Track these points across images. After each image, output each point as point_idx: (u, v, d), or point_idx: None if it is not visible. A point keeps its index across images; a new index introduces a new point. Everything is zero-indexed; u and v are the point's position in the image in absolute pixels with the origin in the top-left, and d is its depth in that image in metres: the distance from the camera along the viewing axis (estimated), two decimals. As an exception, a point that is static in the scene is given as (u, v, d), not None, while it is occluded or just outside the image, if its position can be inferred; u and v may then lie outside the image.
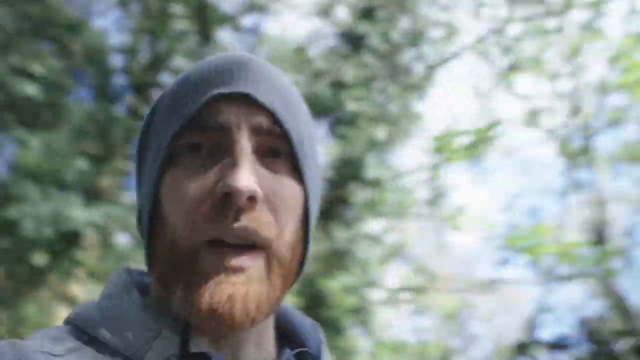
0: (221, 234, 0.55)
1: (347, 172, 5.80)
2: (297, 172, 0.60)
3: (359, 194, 5.85)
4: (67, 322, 0.62)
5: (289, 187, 0.59)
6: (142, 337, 0.56)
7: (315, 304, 5.37)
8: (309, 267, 0.65)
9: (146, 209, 0.61)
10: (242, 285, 0.55)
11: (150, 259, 0.61)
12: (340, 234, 5.59)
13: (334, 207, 6.04)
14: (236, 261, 0.55)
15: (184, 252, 0.56)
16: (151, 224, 0.60)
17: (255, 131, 0.58)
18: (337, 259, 5.60)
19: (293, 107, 0.61)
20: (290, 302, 0.69)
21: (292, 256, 0.59)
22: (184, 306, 0.55)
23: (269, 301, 0.57)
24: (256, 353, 0.61)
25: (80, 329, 0.59)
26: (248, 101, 0.58)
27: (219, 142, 0.58)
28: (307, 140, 0.62)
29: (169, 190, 0.58)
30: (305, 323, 0.67)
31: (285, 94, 0.61)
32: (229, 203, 0.55)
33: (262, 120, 0.58)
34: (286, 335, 0.66)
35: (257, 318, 0.56)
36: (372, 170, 5.66)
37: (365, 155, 5.78)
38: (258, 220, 0.56)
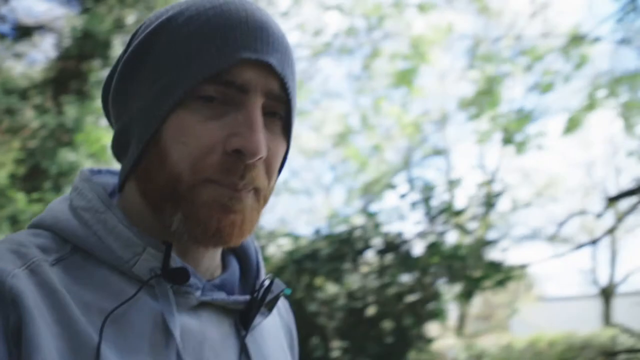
0: (225, 180, 0.62)
1: (88, 48, 5.58)
2: (286, 131, 0.69)
3: (99, 74, 5.70)
4: (43, 228, 0.66)
5: (280, 146, 0.68)
6: (129, 252, 0.63)
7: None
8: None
9: (142, 135, 0.64)
10: (240, 213, 0.64)
11: (129, 174, 0.67)
12: (71, 110, 5.45)
13: (68, 80, 5.80)
14: (233, 195, 0.63)
15: (186, 185, 0.62)
16: (144, 149, 0.64)
17: (266, 94, 0.64)
18: (65, 133, 5.48)
19: (294, 74, 0.68)
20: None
21: (271, 192, 0.70)
22: (183, 226, 0.63)
23: (254, 226, 0.67)
24: (210, 264, 0.71)
25: (61, 237, 0.65)
26: (267, 68, 0.63)
27: (233, 97, 0.63)
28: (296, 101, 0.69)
29: (177, 130, 0.62)
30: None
31: (291, 62, 0.67)
32: (239, 158, 0.62)
33: (274, 87, 0.64)
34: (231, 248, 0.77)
35: (245, 238, 0.66)
36: (116, 50, 5.54)
37: (112, 36, 5.61)
38: (257, 175, 0.64)
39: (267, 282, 0.72)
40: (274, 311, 0.80)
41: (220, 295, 0.68)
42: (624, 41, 7.28)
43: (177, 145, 0.62)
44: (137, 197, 0.67)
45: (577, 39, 7.65)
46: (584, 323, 10.52)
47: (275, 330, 0.80)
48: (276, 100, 0.65)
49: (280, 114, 0.67)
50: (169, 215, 0.64)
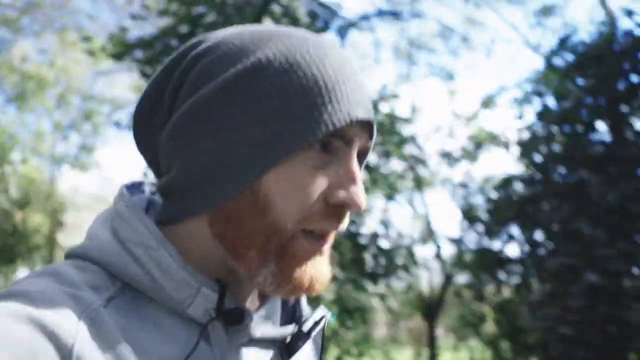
0: (323, 230, 0.65)
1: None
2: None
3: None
4: (88, 259, 0.64)
5: None
6: (183, 293, 0.63)
7: None
8: None
9: (242, 178, 0.63)
10: (325, 264, 0.67)
11: (202, 211, 0.65)
12: None
13: None
14: (323, 247, 0.66)
15: (287, 237, 0.63)
16: (240, 193, 0.63)
17: (362, 148, 0.68)
18: None
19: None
20: None
21: None
22: (272, 278, 0.63)
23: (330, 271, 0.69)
24: (254, 293, 0.72)
25: (110, 273, 0.63)
26: (368, 124, 0.67)
27: (338, 147, 0.65)
28: None
29: (286, 179, 0.63)
30: None
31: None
32: (341, 209, 0.65)
33: (367, 142, 0.68)
34: None
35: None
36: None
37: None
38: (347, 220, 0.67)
39: (317, 314, 0.72)
40: None
41: (269, 330, 0.69)
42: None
43: (284, 196, 0.62)
44: (206, 237, 0.66)
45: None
46: None
47: (312, 354, 0.80)
48: (365, 151, 0.69)
49: (363, 162, 0.71)
50: (256, 265, 0.63)
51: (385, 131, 8.54)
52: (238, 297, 0.68)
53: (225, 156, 0.63)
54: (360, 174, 0.66)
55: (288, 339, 0.70)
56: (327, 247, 0.66)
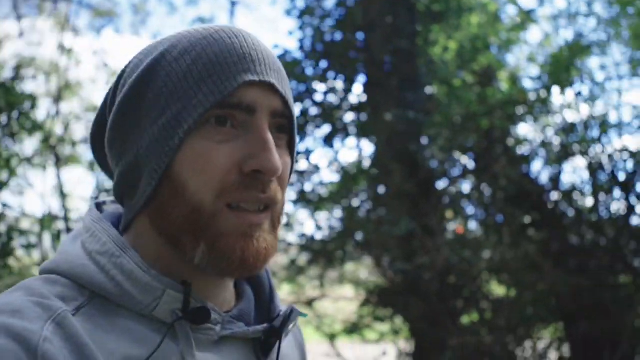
0: (246, 203, 0.64)
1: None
2: (290, 146, 0.72)
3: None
4: (58, 274, 0.65)
5: (288, 161, 0.70)
6: (148, 296, 0.63)
7: None
8: None
9: (155, 170, 0.64)
10: (262, 240, 0.65)
11: (139, 212, 0.68)
12: None
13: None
14: (255, 221, 0.65)
15: (207, 214, 0.63)
16: (158, 184, 0.65)
17: (271, 113, 0.67)
18: None
19: (290, 91, 0.72)
20: None
21: (284, 207, 0.71)
22: (207, 259, 0.63)
23: (275, 249, 0.68)
24: (226, 295, 0.72)
25: (79, 284, 0.64)
26: (269, 88, 0.66)
27: (241, 120, 0.65)
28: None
29: (192, 159, 0.63)
30: None
31: (287, 80, 0.71)
32: (258, 178, 0.64)
33: (278, 105, 0.67)
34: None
35: (268, 263, 0.67)
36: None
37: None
38: (274, 190, 0.66)
39: (285, 310, 0.73)
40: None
41: (241, 328, 0.69)
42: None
43: (194, 174, 0.63)
44: (152, 234, 0.67)
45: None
46: None
47: (291, 351, 0.82)
48: (280, 117, 0.68)
49: (285, 129, 0.70)
50: (191, 248, 0.64)
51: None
52: (207, 298, 0.68)
53: (140, 153, 0.66)
54: (271, 140, 0.65)
55: (262, 337, 0.71)
56: (260, 220, 0.65)
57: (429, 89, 5.12)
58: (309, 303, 5.52)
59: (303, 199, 5.48)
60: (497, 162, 4.53)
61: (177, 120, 0.64)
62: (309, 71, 5.22)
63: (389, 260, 4.96)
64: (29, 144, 4.83)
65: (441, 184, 5.06)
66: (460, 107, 4.51)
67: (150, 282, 0.63)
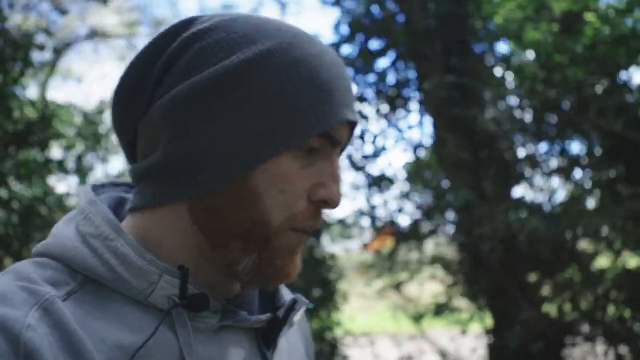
0: (308, 227, 0.66)
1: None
2: None
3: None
4: (50, 257, 0.63)
5: None
6: (143, 281, 0.61)
7: None
8: None
9: (233, 170, 0.62)
10: (299, 258, 0.67)
11: (176, 201, 0.64)
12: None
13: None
14: (304, 242, 0.67)
15: (272, 232, 0.63)
16: (228, 186, 0.62)
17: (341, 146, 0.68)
18: None
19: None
20: None
21: None
22: (255, 267, 0.64)
23: None
24: (226, 285, 0.69)
25: (71, 268, 0.61)
26: (352, 125, 0.68)
27: (320, 147, 0.65)
28: None
29: (276, 177, 0.62)
30: None
31: None
32: (321, 207, 0.65)
33: (348, 141, 0.69)
34: None
35: None
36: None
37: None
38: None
39: (289, 300, 0.73)
40: None
41: (243, 317, 0.67)
42: None
43: (273, 192, 0.62)
44: (182, 223, 0.65)
45: None
46: None
47: (295, 341, 0.80)
48: (343, 148, 0.70)
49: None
50: (239, 254, 0.63)
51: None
52: (208, 285, 0.66)
53: (223, 145, 0.62)
54: (340, 174, 0.67)
55: (266, 328, 0.70)
56: (303, 243, 0.67)
57: (479, 48, 4.78)
58: (397, 287, 5.44)
59: (377, 181, 5.43)
60: (593, 116, 4.01)
61: (281, 134, 0.62)
62: (354, 53, 5.14)
63: (453, 233, 4.72)
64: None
65: (504, 148, 4.67)
66: (538, 60, 4.09)
67: (145, 266, 0.61)
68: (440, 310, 5.14)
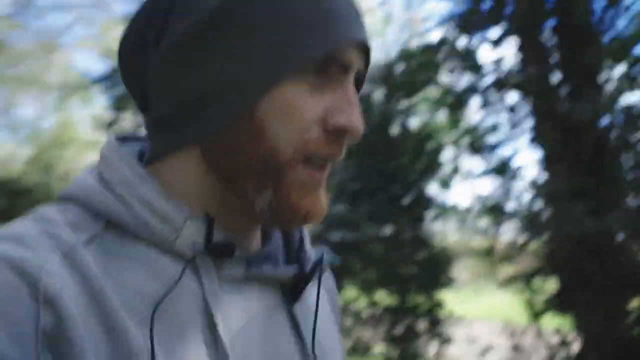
0: (323, 157, 0.62)
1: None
2: None
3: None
4: (72, 201, 0.62)
5: None
6: (167, 227, 0.60)
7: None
8: None
9: (236, 104, 0.60)
10: (323, 195, 0.64)
11: (186, 145, 0.63)
12: None
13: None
14: (322, 177, 0.63)
15: (282, 163, 0.60)
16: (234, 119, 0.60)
17: (356, 71, 0.65)
18: None
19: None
20: None
21: None
22: (271, 205, 0.61)
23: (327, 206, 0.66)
24: (253, 234, 0.68)
25: (93, 212, 0.60)
26: (362, 49, 0.64)
27: (335, 75, 0.62)
28: None
29: (282, 104, 0.59)
30: None
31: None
32: (340, 135, 0.61)
33: (362, 66, 0.65)
34: None
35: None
36: None
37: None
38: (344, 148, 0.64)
39: (315, 256, 0.71)
40: None
41: (268, 268, 0.66)
42: None
43: (279, 121, 0.60)
44: (197, 167, 0.64)
45: None
46: None
47: (321, 297, 0.76)
48: (360, 76, 0.67)
49: (358, 88, 0.68)
50: (254, 192, 0.62)
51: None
52: (231, 233, 0.64)
53: (225, 79, 0.61)
54: (357, 101, 0.64)
55: (289, 280, 0.68)
56: (323, 176, 0.64)
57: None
58: (529, 276, 5.26)
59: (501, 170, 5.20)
60: None
61: (280, 59, 0.59)
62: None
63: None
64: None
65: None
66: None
67: (170, 211, 0.60)
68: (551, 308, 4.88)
